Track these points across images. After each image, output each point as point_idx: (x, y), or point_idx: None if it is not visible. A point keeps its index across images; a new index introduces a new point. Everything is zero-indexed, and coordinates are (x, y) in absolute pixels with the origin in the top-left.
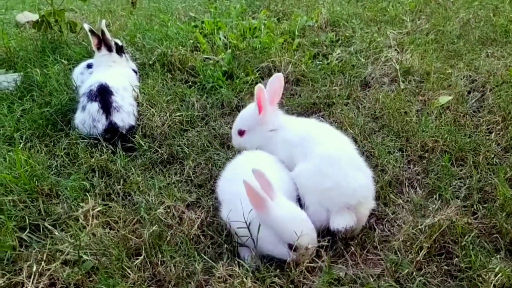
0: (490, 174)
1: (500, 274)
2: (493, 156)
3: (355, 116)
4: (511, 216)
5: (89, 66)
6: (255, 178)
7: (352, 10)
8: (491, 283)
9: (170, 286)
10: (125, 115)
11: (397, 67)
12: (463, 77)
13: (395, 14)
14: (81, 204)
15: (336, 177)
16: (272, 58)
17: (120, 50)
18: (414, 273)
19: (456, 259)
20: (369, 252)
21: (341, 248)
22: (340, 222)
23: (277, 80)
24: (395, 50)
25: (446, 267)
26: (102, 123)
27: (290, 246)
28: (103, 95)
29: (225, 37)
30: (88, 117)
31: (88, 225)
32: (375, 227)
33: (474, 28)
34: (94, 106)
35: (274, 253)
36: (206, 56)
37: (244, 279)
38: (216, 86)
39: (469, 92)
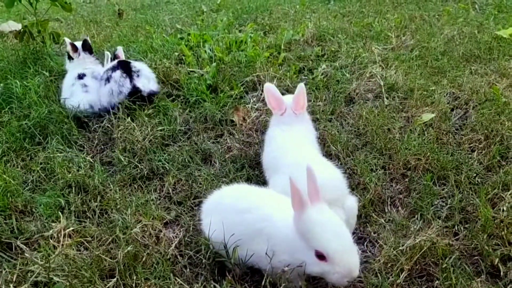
0: (472, 194)
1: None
2: (475, 175)
3: (338, 132)
4: (492, 238)
5: (80, 76)
6: (307, 175)
7: (338, 25)
8: None
9: None
10: (145, 80)
11: (382, 83)
12: (447, 94)
13: (380, 29)
14: (54, 223)
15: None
16: (257, 72)
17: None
18: None
19: (437, 281)
20: None
21: None
22: None
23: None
24: (380, 66)
25: None
26: (126, 87)
27: (318, 255)
28: (123, 65)
29: (210, 50)
30: (114, 84)
31: (60, 245)
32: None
33: (459, 44)
34: (118, 73)
35: (289, 262)
36: (190, 69)
37: None
38: (200, 100)
39: (452, 110)
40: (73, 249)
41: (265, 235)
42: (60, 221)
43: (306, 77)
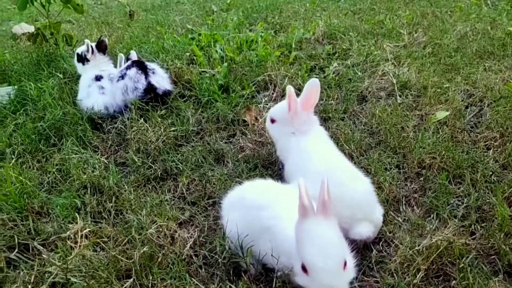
0: (488, 193)
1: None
2: (491, 173)
3: (351, 131)
4: (509, 236)
5: (98, 78)
6: (321, 187)
7: (349, 23)
8: None
9: None
10: (159, 78)
11: (394, 81)
12: (461, 91)
13: (392, 27)
14: (70, 224)
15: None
16: (269, 71)
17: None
18: None
19: (454, 281)
20: (365, 274)
21: None
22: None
23: (313, 85)
24: (392, 63)
25: None
26: (142, 83)
27: (302, 266)
28: (138, 63)
29: (221, 50)
30: (129, 81)
31: (77, 246)
32: (372, 247)
33: (472, 41)
34: (133, 70)
35: (287, 265)
36: (202, 70)
37: None
38: (211, 100)
39: (466, 107)
40: (90, 249)
41: (271, 233)
42: (76, 222)
43: (317, 76)
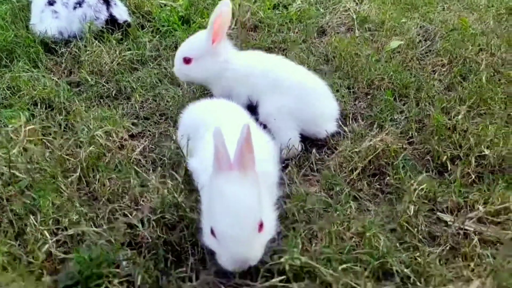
0: (430, 107)
1: (424, 185)
2: (434, 93)
3: (306, 57)
4: (443, 140)
5: (51, 3)
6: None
7: None
8: (415, 191)
9: (104, 200)
10: (121, 10)
11: (354, 17)
12: (417, 25)
13: None
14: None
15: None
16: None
17: None
18: (347, 189)
19: (388, 178)
20: (306, 175)
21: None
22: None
23: (224, 7)
24: (354, 0)
25: (378, 186)
26: (104, 14)
27: (211, 228)
28: None
29: None
30: (88, 9)
31: (20, 140)
32: (316, 153)
33: None
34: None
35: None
36: (162, 2)
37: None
38: (171, 30)
39: (420, 41)
40: (35, 145)
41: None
42: (19, 120)
43: (280, 12)
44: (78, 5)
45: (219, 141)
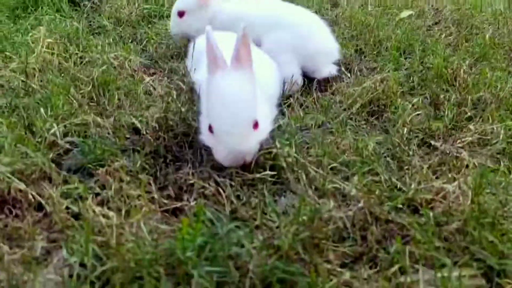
0: (433, 60)
1: (420, 112)
2: (439, 51)
3: None
4: (443, 85)
5: None
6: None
7: None
8: (409, 116)
9: (112, 110)
10: None
11: None
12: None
13: None
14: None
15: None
16: None
17: None
18: (344, 117)
19: (386, 114)
20: (307, 108)
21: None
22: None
23: None
24: None
25: (376, 121)
26: None
27: (209, 125)
28: None
29: None
30: None
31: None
32: (319, 94)
33: None
34: None
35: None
36: None
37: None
38: None
39: (430, 13)
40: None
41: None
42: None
43: None
44: None
45: (212, 41)
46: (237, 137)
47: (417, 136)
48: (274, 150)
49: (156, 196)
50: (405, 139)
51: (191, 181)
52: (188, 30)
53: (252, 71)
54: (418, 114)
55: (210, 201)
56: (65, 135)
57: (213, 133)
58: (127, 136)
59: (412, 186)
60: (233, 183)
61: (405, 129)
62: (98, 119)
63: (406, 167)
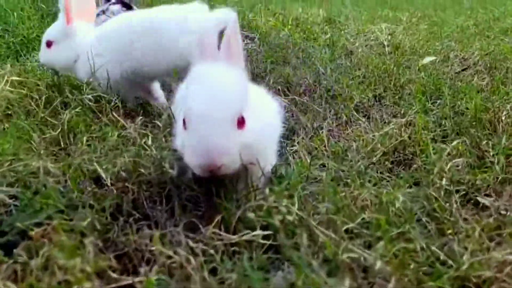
0: (468, 104)
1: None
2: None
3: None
4: (480, 124)
5: None
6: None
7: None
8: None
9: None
10: None
11: (385, 43)
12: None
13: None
14: None
15: None
16: None
17: None
18: (362, 165)
19: (415, 165)
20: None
21: None
22: None
23: None
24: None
25: (402, 170)
26: None
27: (183, 120)
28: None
29: None
30: (111, 16)
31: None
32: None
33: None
34: (117, 7)
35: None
36: None
37: None
38: None
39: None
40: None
41: None
42: None
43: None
44: (101, 13)
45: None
46: (211, 128)
47: (458, 191)
48: (268, 203)
49: (103, 266)
50: (443, 193)
51: (153, 248)
52: (56, 62)
53: (242, 68)
54: (456, 164)
55: (176, 276)
56: (11, 185)
57: (186, 128)
58: (87, 187)
59: (464, 258)
60: (209, 249)
61: (444, 180)
62: (49, 165)
63: (449, 231)
